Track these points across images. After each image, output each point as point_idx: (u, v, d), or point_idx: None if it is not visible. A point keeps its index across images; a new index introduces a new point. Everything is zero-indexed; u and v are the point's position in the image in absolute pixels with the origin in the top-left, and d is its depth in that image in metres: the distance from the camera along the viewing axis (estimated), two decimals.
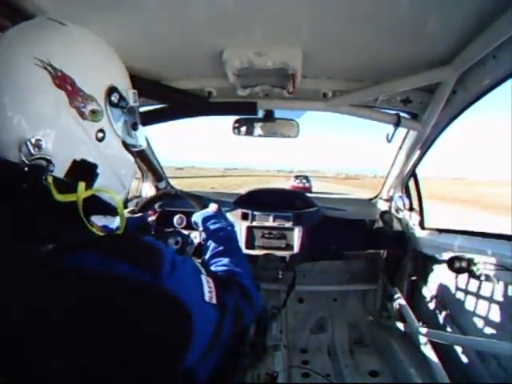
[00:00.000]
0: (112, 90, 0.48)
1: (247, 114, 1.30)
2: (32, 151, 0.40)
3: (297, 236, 1.55)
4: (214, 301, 0.46)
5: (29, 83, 0.41)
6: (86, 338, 0.32)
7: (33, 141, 0.40)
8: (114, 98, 0.49)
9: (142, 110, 1.23)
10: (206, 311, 0.44)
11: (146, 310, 0.37)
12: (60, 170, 0.43)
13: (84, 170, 0.46)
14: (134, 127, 0.55)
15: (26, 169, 0.40)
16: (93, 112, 0.45)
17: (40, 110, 0.41)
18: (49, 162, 0.41)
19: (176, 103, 1.24)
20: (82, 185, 0.42)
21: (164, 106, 1.29)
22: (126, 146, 0.54)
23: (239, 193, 1.86)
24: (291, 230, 1.57)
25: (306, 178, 20.31)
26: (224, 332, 0.48)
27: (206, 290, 0.45)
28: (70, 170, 0.44)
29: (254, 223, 1.60)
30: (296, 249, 1.53)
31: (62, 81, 0.42)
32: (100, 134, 0.47)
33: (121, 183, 0.54)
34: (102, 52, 0.50)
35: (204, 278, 0.47)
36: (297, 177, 20.40)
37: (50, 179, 0.40)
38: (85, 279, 0.35)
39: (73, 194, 0.42)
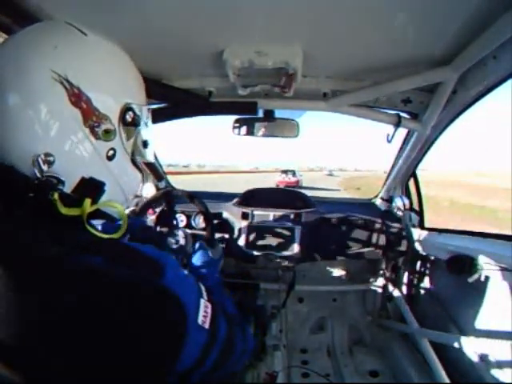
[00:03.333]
0: (128, 109, 0.47)
1: (247, 113, 1.30)
2: (42, 167, 0.39)
3: (297, 236, 1.55)
4: (207, 326, 0.44)
5: (43, 98, 0.39)
6: (87, 337, 0.33)
7: (43, 157, 0.39)
8: (129, 116, 0.48)
9: None
10: (195, 332, 0.42)
11: (147, 306, 0.37)
12: (68, 185, 0.43)
13: (91, 188, 0.45)
14: (145, 145, 0.54)
15: (36, 182, 0.39)
16: (106, 132, 0.45)
17: (52, 127, 0.40)
18: (58, 180, 0.41)
19: (176, 103, 1.24)
20: (87, 202, 0.43)
21: (164, 105, 1.29)
22: (134, 160, 0.54)
23: (239, 192, 1.86)
24: (291, 229, 1.57)
25: (293, 172, 20.67)
26: (210, 358, 0.46)
27: (201, 313, 0.44)
28: (77, 187, 0.44)
29: (254, 223, 1.60)
30: (296, 248, 1.53)
31: (77, 98, 0.41)
32: (111, 153, 0.47)
33: (125, 197, 0.54)
34: (122, 68, 0.48)
35: (203, 301, 0.45)
36: (284, 171, 20.75)
37: (55, 195, 0.40)
38: (88, 278, 0.35)
39: (78, 209, 0.42)
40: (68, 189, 0.43)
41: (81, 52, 0.42)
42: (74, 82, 0.40)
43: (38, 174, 0.39)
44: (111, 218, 0.50)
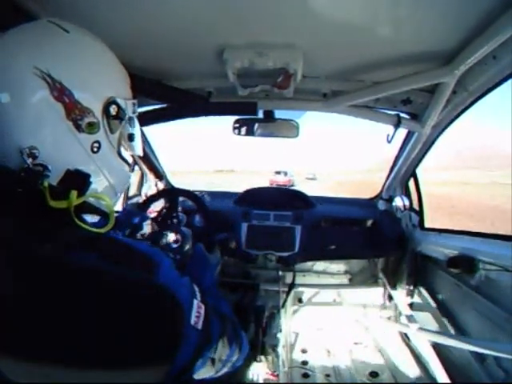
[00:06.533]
0: (111, 102, 0.48)
1: (247, 114, 1.30)
2: (27, 160, 0.40)
3: (297, 235, 1.55)
4: (199, 327, 0.44)
5: (26, 93, 0.40)
6: (85, 337, 0.33)
7: (27, 151, 0.40)
8: (113, 109, 0.48)
9: (142, 109, 1.23)
10: (188, 333, 0.42)
11: (146, 305, 0.37)
12: (54, 177, 0.43)
13: (77, 180, 0.46)
14: (131, 138, 0.55)
15: (23, 174, 0.40)
16: (89, 124, 0.45)
17: (36, 121, 0.41)
18: (45, 167, 0.41)
19: (176, 103, 1.24)
20: (74, 194, 0.43)
21: (164, 105, 1.29)
22: (121, 154, 0.54)
23: (239, 192, 1.87)
24: (291, 229, 1.57)
25: (285, 172, 21.25)
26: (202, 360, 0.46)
27: (193, 313, 0.44)
28: (63, 179, 0.44)
29: (254, 222, 1.60)
30: (296, 248, 1.53)
31: (60, 93, 0.42)
32: (95, 146, 0.47)
33: (113, 191, 0.54)
34: (104, 62, 0.50)
35: (196, 302, 0.46)
36: (277, 172, 21.34)
37: (45, 183, 0.40)
38: (85, 277, 0.35)
39: (65, 201, 0.42)
40: (53, 181, 0.43)
41: (62, 48, 0.44)
42: (56, 77, 0.41)
43: (30, 165, 0.40)
44: (100, 211, 0.50)
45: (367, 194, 2.00)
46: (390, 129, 1.24)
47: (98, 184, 0.49)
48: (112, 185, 0.52)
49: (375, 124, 1.26)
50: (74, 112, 0.43)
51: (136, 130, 0.56)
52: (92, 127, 0.46)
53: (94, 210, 0.49)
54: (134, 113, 0.54)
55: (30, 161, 0.40)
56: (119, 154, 0.54)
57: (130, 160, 0.58)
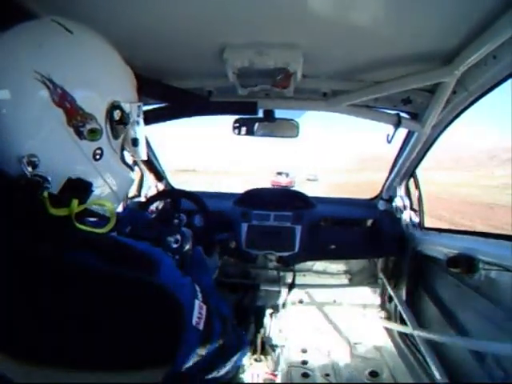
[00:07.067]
0: (114, 107, 0.46)
1: (247, 113, 1.30)
2: (27, 168, 0.39)
3: (297, 235, 1.55)
4: (201, 327, 0.43)
5: (26, 98, 0.39)
6: (84, 337, 0.33)
7: (26, 159, 0.39)
8: (116, 115, 0.46)
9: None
10: (189, 333, 0.42)
11: (146, 306, 0.37)
12: (54, 186, 0.42)
13: (78, 188, 0.44)
14: (135, 143, 0.53)
15: (22, 182, 0.39)
16: (92, 131, 0.43)
17: (35, 127, 0.39)
18: (44, 179, 0.40)
19: (176, 102, 1.25)
20: (75, 202, 0.42)
21: (164, 105, 1.29)
22: (124, 160, 0.53)
23: (239, 192, 1.87)
24: (291, 229, 1.57)
25: (287, 174, 21.55)
26: (205, 360, 0.45)
27: (195, 314, 0.43)
28: (64, 187, 0.43)
29: (254, 222, 1.60)
30: (296, 248, 1.53)
31: (61, 98, 0.40)
32: (98, 153, 0.45)
33: (115, 197, 0.52)
34: (109, 65, 0.47)
35: (197, 302, 0.44)
36: (279, 173, 21.54)
37: (45, 194, 0.39)
38: (85, 278, 0.35)
39: (66, 209, 0.41)
40: (54, 189, 0.42)
41: (65, 51, 0.42)
42: (58, 82, 0.39)
43: (29, 174, 0.39)
44: (101, 217, 0.49)
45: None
46: (388, 129, 1.24)
47: (100, 191, 0.48)
48: (114, 191, 0.51)
49: (361, 123, 1.26)
50: (76, 118, 0.41)
51: (141, 133, 0.54)
52: (94, 134, 0.44)
53: (95, 215, 0.48)
54: (138, 116, 0.52)
55: (29, 169, 0.39)
56: (122, 160, 0.52)
57: (132, 163, 0.57)
